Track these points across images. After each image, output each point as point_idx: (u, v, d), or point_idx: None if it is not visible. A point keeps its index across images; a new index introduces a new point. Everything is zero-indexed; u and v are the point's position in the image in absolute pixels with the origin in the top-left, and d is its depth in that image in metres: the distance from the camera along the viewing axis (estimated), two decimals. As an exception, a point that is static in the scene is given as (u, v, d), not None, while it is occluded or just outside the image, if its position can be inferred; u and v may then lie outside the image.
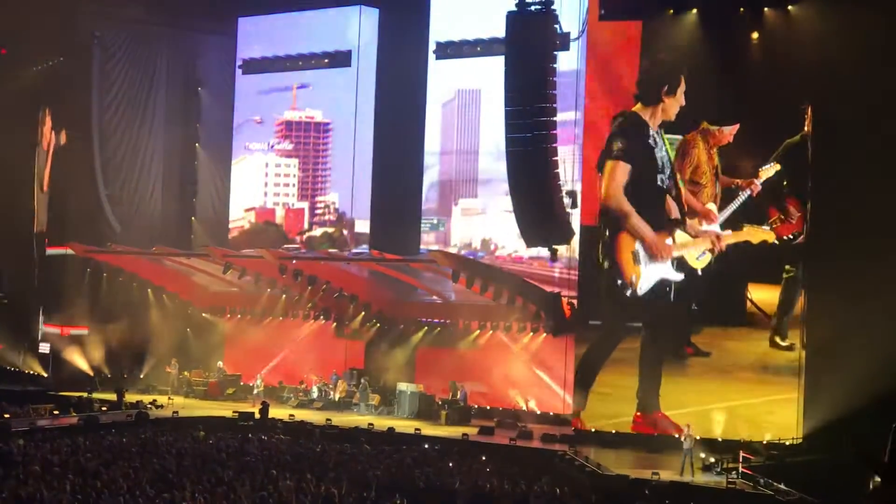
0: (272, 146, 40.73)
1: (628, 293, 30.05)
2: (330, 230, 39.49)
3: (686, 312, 30.28)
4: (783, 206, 29.61)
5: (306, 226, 40.04)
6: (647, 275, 30.11)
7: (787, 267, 29.73)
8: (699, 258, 30.20)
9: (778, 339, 29.60)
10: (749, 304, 30.10)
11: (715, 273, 29.96)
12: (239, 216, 41.17)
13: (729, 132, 29.84)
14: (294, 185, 40.32)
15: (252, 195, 41.04)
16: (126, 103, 40.79)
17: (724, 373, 29.55)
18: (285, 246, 39.34)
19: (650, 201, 30.07)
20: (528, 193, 29.39)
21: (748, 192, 29.79)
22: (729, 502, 23.59)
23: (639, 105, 30.01)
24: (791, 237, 29.51)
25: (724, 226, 29.93)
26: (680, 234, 30.02)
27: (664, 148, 30.14)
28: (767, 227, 29.80)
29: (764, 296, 29.92)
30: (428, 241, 37.70)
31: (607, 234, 30.47)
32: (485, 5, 34.44)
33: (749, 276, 30.15)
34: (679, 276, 30.09)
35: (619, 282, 30.16)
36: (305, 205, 40.13)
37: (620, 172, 29.83)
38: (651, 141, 29.88)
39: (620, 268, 30.19)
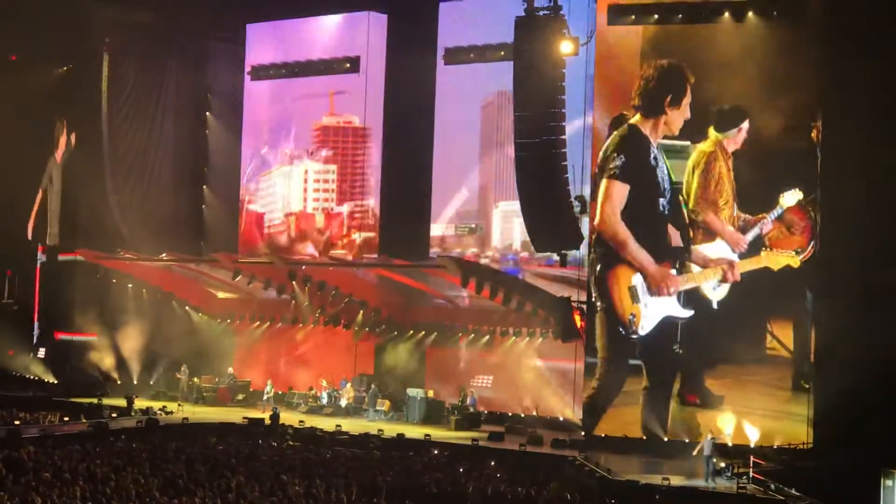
0: (311, 152, 40.68)
1: (633, 336, 28.18)
2: (370, 235, 39.34)
3: (695, 357, 28.37)
4: (787, 218, 28.12)
5: (345, 230, 40.01)
6: (649, 313, 28.19)
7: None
8: (716, 289, 28.09)
9: (804, 383, 27.91)
10: (769, 338, 28.24)
11: (728, 309, 28.15)
12: (279, 221, 41.14)
13: (739, 136, 28.04)
14: (333, 189, 40.21)
15: (293, 201, 40.91)
16: (136, 109, 40.85)
17: (739, 415, 28.09)
18: (332, 252, 39.19)
19: (650, 229, 28.33)
20: (538, 198, 29.10)
21: (770, 219, 28.05)
22: (739, 507, 23.59)
23: (638, 117, 28.52)
24: (797, 251, 27.98)
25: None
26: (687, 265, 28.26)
27: (665, 167, 28.45)
28: (791, 252, 27.83)
29: (787, 331, 28.22)
30: (467, 244, 37.29)
31: (598, 268, 28.84)
32: (493, 10, 34.39)
33: (768, 310, 28.44)
34: (687, 313, 28.25)
35: (619, 327, 28.42)
36: (345, 209, 39.96)
37: (617, 193, 28.12)
38: (652, 159, 28.31)
39: (615, 307, 28.39)
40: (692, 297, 28.40)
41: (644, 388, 28.88)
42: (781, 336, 28.41)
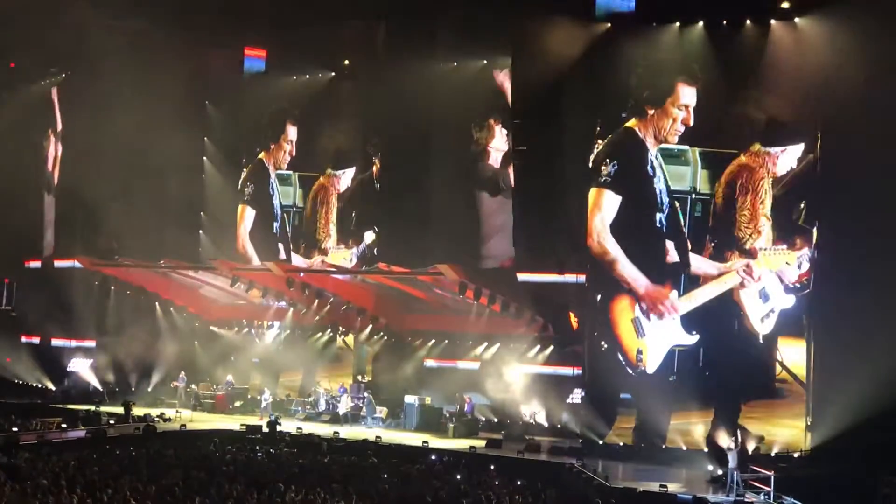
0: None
1: (635, 373, 26.84)
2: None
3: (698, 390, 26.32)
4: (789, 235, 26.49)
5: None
6: (655, 346, 26.54)
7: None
8: (764, 320, 25.69)
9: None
10: (779, 369, 26.40)
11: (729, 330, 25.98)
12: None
13: (785, 157, 25.60)
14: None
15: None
16: (133, 116, 40.81)
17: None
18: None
19: (645, 247, 26.72)
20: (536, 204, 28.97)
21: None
22: (737, 515, 23.52)
23: (633, 120, 27.01)
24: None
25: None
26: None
27: (664, 178, 26.60)
28: (785, 248, 25.99)
29: (799, 357, 26.32)
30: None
31: (598, 298, 27.30)
32: (492, 16, 34.27)
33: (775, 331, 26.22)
34: (693, 339, 26.44)
35: (623, 362, 27.08)
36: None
37: (608, 204, 26.58)
38: (650, 168, 26.61)
39: (620, 343, 26.98)
40: (738, 335, 26.25)
41: (634, 427, 27.99)
42: (793, 366, 26.62)
